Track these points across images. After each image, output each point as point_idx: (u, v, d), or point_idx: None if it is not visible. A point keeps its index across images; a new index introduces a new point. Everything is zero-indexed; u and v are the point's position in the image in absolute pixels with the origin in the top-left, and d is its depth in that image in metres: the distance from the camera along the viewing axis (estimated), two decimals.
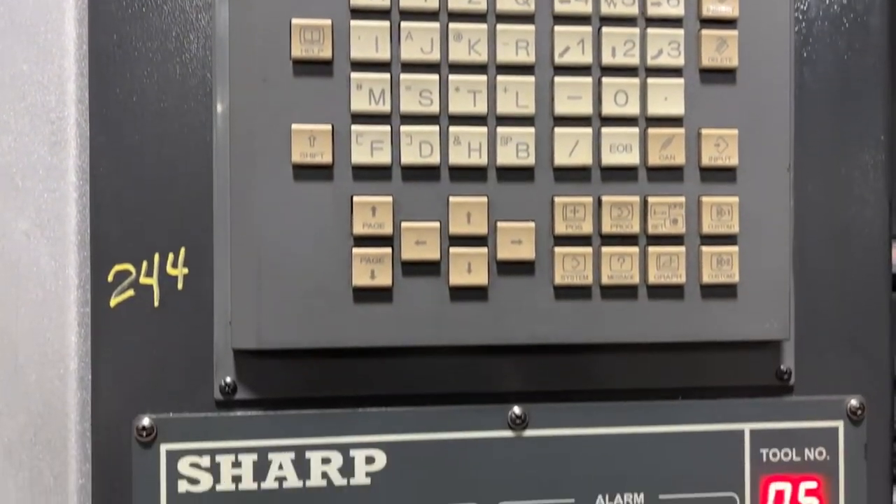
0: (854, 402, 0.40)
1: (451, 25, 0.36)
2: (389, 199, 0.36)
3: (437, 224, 0.36)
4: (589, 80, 0.37)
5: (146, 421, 0.36)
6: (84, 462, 0.37)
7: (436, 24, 0.36)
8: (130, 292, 0.37)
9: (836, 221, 0.40)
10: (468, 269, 0.36)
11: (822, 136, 0.40)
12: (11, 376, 0.39)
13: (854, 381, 0.40)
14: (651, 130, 0.37)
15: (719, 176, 0.38)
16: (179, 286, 0.37)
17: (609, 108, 0.37)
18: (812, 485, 0.39)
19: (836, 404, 0.40)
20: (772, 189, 0.38)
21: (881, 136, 0.41)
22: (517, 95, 0.37)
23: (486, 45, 0.37)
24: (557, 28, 0.37)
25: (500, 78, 0.37)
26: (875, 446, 0.40)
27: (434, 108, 0.36)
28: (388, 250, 0.36)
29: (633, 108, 0.37)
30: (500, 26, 0.37)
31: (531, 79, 0.37)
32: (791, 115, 0.38)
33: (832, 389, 0.40)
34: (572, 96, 0.37)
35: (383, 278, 0.36)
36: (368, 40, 0.36)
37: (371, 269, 0.36)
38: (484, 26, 0.37)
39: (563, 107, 0.37)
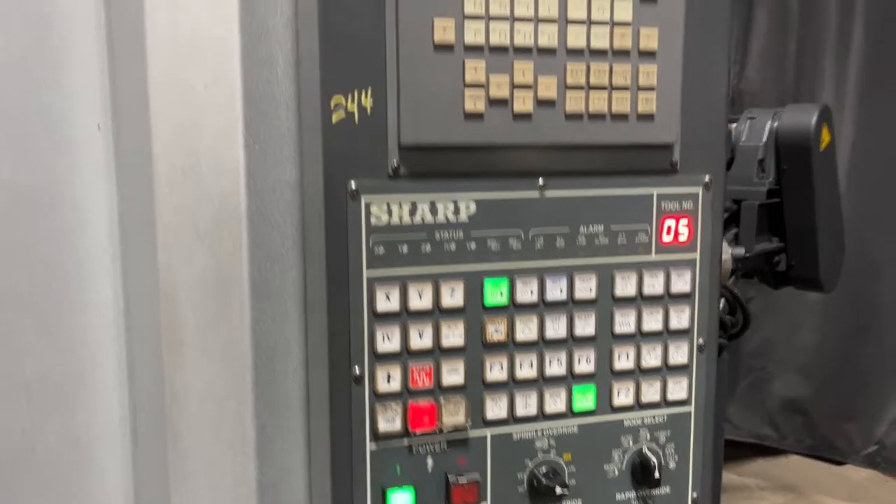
0: (707, 178, 0.76)
1: None
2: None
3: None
4: None
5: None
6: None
7: None
8: (342, 114, 0.65)
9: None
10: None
11: None
12: None
13: (706, 168, 0.76)
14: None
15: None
16: (369, 112, 0.66)
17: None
18: (685, 221, 0.76)
19: (698, 178, 0.76)
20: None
21: None
22: None
23: None
24: None
25: None
26: (715, 202, 0.77)
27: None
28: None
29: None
30: None
31: None
32: None
33: (697, 171, 0.76)
34: None
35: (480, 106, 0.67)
36: None
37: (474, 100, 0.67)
38: None
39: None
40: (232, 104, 0.74)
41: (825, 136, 1.43)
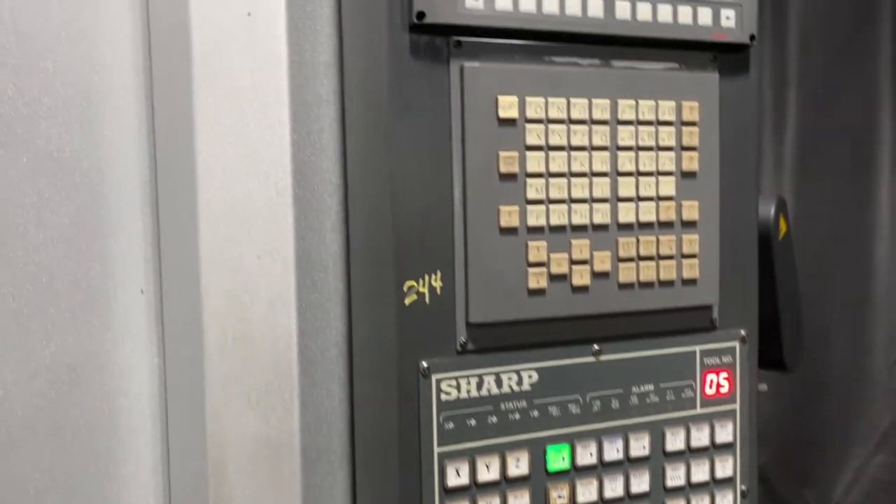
0: (742, 332, 0.80)
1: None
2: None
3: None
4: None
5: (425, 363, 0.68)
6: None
7: None
8: (414, 297, 0.67)
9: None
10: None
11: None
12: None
13: (742, 323, 0.80)
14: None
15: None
16: (438, 292, 0.68)
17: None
18: (725, 374, 0.79)
19: (735, 333, 0.80)
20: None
21: None
22: None
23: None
24: None
25: None
26: (751, 355, 0.81)
27: None
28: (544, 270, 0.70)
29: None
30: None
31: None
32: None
33: (733, 326, 0.80)
34: None
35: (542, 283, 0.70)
36: None
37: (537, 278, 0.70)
38: None
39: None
40: (285, 273, 0.75)
41: (782, 226, 1.50)
